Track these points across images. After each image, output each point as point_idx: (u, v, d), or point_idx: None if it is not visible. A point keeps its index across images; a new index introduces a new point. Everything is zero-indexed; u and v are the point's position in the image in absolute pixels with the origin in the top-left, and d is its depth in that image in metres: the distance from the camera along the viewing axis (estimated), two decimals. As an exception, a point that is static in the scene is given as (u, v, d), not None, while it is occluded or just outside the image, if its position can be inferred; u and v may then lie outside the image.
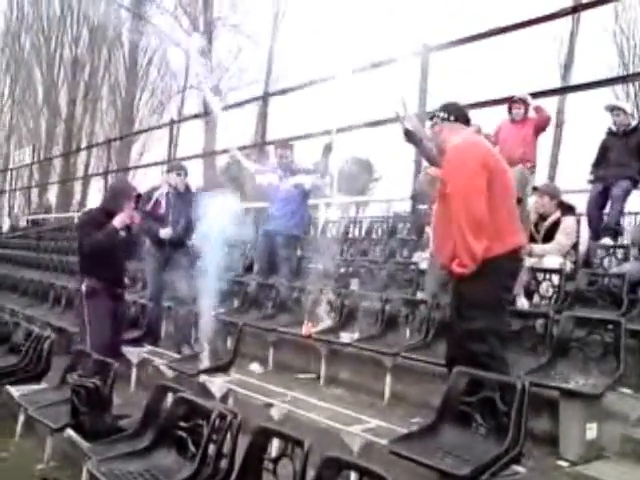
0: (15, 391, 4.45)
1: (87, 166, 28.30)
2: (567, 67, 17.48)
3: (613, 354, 3.58)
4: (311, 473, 2.37)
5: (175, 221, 5.81)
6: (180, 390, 3.30)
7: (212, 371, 4.67)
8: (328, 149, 6.42)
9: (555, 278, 4.81)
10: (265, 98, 16.70)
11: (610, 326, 3.69)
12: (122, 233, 4.97)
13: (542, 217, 5.40)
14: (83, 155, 27.85)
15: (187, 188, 5.95)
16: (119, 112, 28.62)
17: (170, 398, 3.36)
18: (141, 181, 17.96)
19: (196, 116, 17.74)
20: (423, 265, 5.76)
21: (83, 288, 4.93)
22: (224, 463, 2.73)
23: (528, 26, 7.40)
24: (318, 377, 5.02)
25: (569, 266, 5.18)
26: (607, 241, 5.70)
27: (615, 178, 5.98)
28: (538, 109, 6.70)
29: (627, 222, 7.47)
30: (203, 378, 4.58)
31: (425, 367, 4.23)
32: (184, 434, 3.03)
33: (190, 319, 5.42)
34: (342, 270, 6.54)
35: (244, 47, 23.64)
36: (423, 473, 2.85)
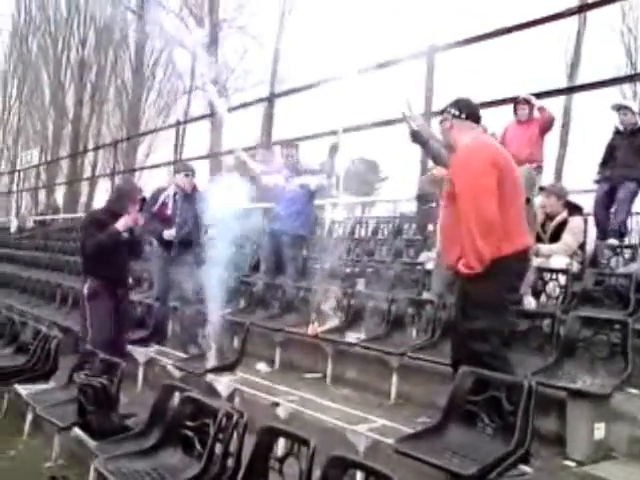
0: (23, 390, 4.48)
1: (94, 167, 28.43)
2: (574, 67, 17.42)
3: (621, 354, 3.56)
4: (317, 472, 2.37)
5: (181, 222, 5.82)
6: (187, 389, 3.32)
7: (219, 370, 4.68)
8: (334, 149, 6.43)
9: (562, 278, 4.80)
10: (271, 99, 16.72)
11: (617, 326, 3.67)
12: (125, 234, 4.99)
13: (549, 217, 5.38)
14: (90, 156, 27.97)
15: (194, 189, 5.97)
16: (125, 113, 28.72)
17: (177, 397, 3.37)
18: (147, 182, 18.03)
19: (202, 117, 17.78)
20: (429, 265, 5.75)
21: (85, 290, 4.95)
22: (230, 462, 2.74)
23: (534, 26, 7.38)
24: (324, 377, 5.02)
25: (576, 266, 5.16)
26: (614, 241, 5.68)
27: (621, 179, 5.96)
28: (541, 109, 6.68)
29: (635, 222, 7.43)
30: (210, 377, 4.59)
31: (431, 367, 4.22)
32: (191, 433, 3.04)
33: (197, 319, 5.43)
34: (348, 270, 6.54)
35: (250, 48, 23.71)
36: (429, 473, 2.85)
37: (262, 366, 5.33)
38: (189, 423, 3.07)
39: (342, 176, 8.97)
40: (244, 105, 13.00)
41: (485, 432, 2.94)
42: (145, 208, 6.02)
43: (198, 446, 2.96)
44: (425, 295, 5.37)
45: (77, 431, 3.56)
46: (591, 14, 13.93)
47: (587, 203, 6.04)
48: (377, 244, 7.92)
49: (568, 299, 4.70)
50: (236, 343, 5.04)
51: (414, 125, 3.85)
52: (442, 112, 3.69)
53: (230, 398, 4.37)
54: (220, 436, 2.82)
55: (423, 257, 6.30)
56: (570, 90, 13.00)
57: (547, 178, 8.28)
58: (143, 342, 5.74)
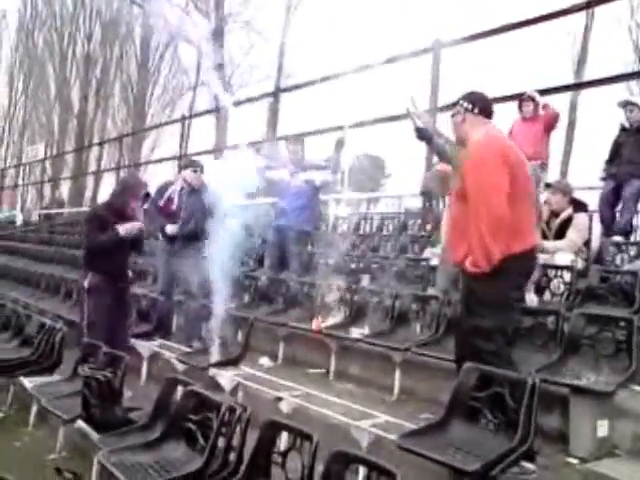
0: (28, 382, 4.50)
1: (99, 161, 28.48)
2: (580, 63, 17.33)
3: (625, 352, 3.55)
4: (320, 467, 2.37)
5: (187, 217, 5.82)
6: (190, 383, 3.32)
7: (222, 365, 4.69)
8: (340, 145, 6.42)
9: (566, 275, 4.78)
10: (276, 94, 16.71)
11: (622, 323, 3.66)
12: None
13: (554, 214, 5.36)
14: (95, 150, 28.02)
15: (202, 184, 5.97)
16: (131, 108, 28.78)
17: (180, 391, 3.39)
18: (152, 176, 18.04)
19: (207, 112, 17.77)
20: (434, 261, 5.74)
21: (86, 284, 4.96)
22: (233, 456, 2.75)
23: (541, 22, 7.34)
24: (328, 372, 5.03)
25: (581, 263, 5.14)
26: (619, 238, 5.66)
27: (627, 176, 5.94)
28: (546, 107, 6.65)
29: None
30: (213, 372, 4.60)
31: (435, 363, 4.22)
32: (194, 427, 3.05)
33: (201, 313, 5.44)
34: (353, 266, 6.54)
35: (255, 43, 23.67)
36: (432, 468, 2.85)
37: (265, 361, 5.34)
38: (192, 417, 3.08)
39: (347, 172, 8.96)
40: (250, 100, 12.99)
41: (488, 428, 2.95)
42: (150, 201, 6.03)
43: (201, 440, 2.97)
44: (429, 291, 5.36)
45: (81, 424, 3.58)
46: (599, 9, 13.85)
47: (592, 200, 6.02)
48: (382, 240, 7.92)
49: (572, 296, 4.68)
50: (240, 337, 5.05)
51: (419, 122, 3.83)
52: (454, 105, 3.64)
53: (233, 392, 4.39)
54: (223, 430, 2.82)
55: (428, 253, 6.29)
56: (577, 86, 12.96)
57: (553, 175, 8.26)
58: (147, 336, 5.76)
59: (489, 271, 3.20)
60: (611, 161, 6.23)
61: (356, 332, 4.94)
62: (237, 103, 11.55)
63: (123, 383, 3.68)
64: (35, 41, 32.47)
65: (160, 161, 18.92)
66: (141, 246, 5.41)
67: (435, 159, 6.17)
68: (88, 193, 27.90)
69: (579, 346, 3.76)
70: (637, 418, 3.38)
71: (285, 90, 16.11)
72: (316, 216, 7.27)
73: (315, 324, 5.19)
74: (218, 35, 21.98)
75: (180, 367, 4.90)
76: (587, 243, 5.37)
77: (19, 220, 19.37)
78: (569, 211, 5.30)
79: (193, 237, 5.76)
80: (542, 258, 5.01)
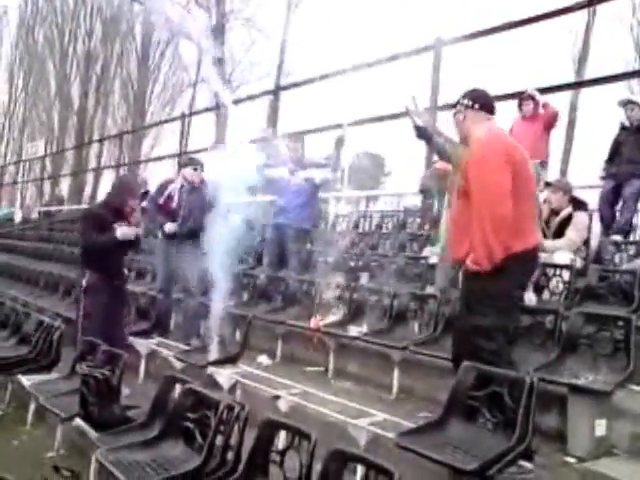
0: (26, 380, 4.50)
1: (99, 158, 28.47)
2: (582, 61, 17.31)
3: (623, 351, 3.55)
4: (318, 466, 2.37)
5: (186, 215, 5.82)
6: (188, 381, 3.32)
7: (220, 363, 4.69)
8: (340, 142, 6.40)
9: (565, 274, 4.77)
10: (276, 91, 16.69)
11: (620, 323, 3.65)
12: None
13: (554, 212, 5.36)
14: (95, 147, 28.01)
15: (202, 182, 5.96)
16: (131, 105, 28.76)
17: (178, 389, 3.39)
18: (152, 174, 18.04)
19: (207, 110, 17.75)
20: (433, 260, 5.74)
21: (83, 283, 4.95)
22: (231, 455, 2.75)
23: (542, 20, 7.32)
24: (326, 370, 5.03)
25: (579, 262, 5.14)
26: (618, 237, 5.66)
27: (627, 176, 5.93)
28: (545, 105, 6.64)
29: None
30: (211, 370, 4.60)
31: (433, 361, 4.22)
32: (192, 425, 3.05)
33: (199, 311, 5.44)
34: (352, 264, 6.53)
35: (256, 40, 23.64)
36: (430, 467, 2.85)
37: (264, 359, 5.34)
38: (190, 415, 3.08)
39: (347, 170, 8.95)
40: (250, 97, 12.97)
41: (486, 427, 2.95)
42: (150, 199, 6.03)
43: (199, 438, 2.97)
44: (428, 290, 5.36)
45: (79, 422, 3.58)
46: (600, 7, 13.81)
47: (592, 199, 6.02)
48: (381, 238, 7.91)
49: (571, 295, 4.68)
50: (238, 336, 5.05)
51: (418, 121, 3.81)
52: (455, 105, 3.62)
53: (231, 391, 4.38)
54: (221, 428, 2.82)
55: (427, 252, 6.29)
56: (577, 85, 12.94)
57: (553, 174, 8.24)
58: (146, 334, 5.76)
59: (490, 270, 3.20)
60: (611, 160, 6.23)
61: (354, 330, 4.94)
62: (237, 101, 11.54)
63: (121, 381, 3.68)
64: (35, 38, 32.42)
65: (160, 159, 18.90)
66: (139, 245, 5.42)
67: (435, 158, 6.15)
68: (88, 190, 27.88)
69: (577, 345, 3.75)
70: (635, 418, 3.38)
71: (285, 88, 16.08)
72: (315, 214, 7.27)
73: (314, 322, 5.19)
74: (219, 32, 21.97)
75: (178, 365, 4.90)
76: (586, 242, 5.36)
77: (18, 217, 19.34)
78: (569, 210, 5.30)
79: (192, 235, 5.76)
80: (541, 257, 5.01)
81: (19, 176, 27.19)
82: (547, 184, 5.77)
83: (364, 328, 4.96)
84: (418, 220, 8.14)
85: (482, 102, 3.49)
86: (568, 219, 5.27)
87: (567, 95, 14.75)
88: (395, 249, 7.11)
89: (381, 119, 8.89)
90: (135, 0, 23.61)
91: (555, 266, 4.88)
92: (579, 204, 5.39)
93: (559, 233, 5.26)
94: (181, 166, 6.54)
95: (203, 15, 20.79)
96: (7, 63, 33.75)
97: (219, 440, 2.81)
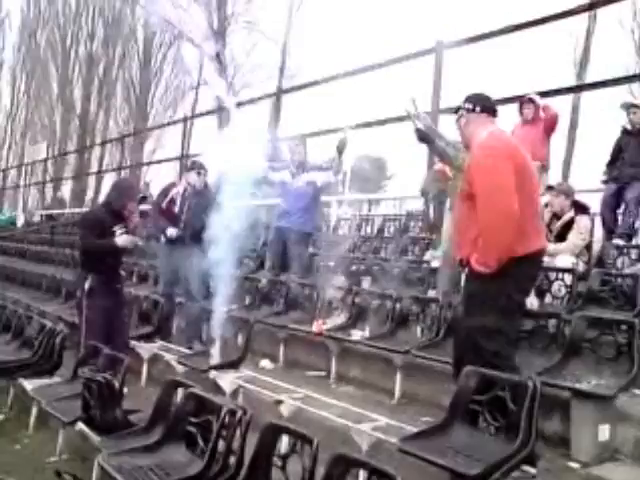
0: (28, 385, 4.50)
1: (101, 161, 28.51)
2: (582, 65, 17.31)
3: (626, 355, 3.54)
4: (320, 470, 2.36)
5: (189, 219, 5.83)
6: (190, 385, 3.32)
7: (222, 367, 4.69)
8: (342, 145, 6.40)
9: (567, 278, 4.77)
10: (278, 95, 16.70)
11: (623, 327, 3.65)
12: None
13: (555, 216, 5.35)
14: (97, 150, 28.05)
15: (205, 186, 5.97)
16: (133, 108, 28.80)
17: (180, 393, 3.39)
18: (154, 177, 18.08)
19: (209, 112, 17.76)
20: (435, 263, 5.74)
21: (85, 286, 4.95)
22: (233, 459, 2.74)
23: (543, 23, 7.32)
24: (328, 374, 5.02)
25: (582, 266, 5.13)
26: (620, 241, 5.64)
27: (630, 179, 5.92)
28: (546, 108, 6.63)
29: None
30: (213, 374, 4.59)
31: (436, 366, 4.22)
32: (194, 429, 3.04)
33: (201, 315, 5.44)
34: (354, 268, 6.53)
35: (258, 43, 23.65)
36: (432, 472, 2.84)
37: (266, 363, 5.34)
38: (192, 419, 3.08)
39: (348, 173, 8.95)
40: (252, 101, 12.98)
41: (489, 432, 2.94)
42: (152, 203, 6.04)
43: (201, 443, 2.96)
44: (430, 294, 5.35)
45: (81, 426, 3.57)
46: (601, 12, 13.83)
47: (594, 203, 6.01)
48: (383, 242, 7.91)
49: (574, 299, 4.67)
50: (240, 340, 5.05)
51: (420, 124, 3.82)
52: (457, 110, 3.63)
53: (234, 395, 4.38)
54: (223, 433, 2.81)
55: (428, 255, 6.29)
56: (579, 88, 12.93)
57: (554, 177, 8.24)
58: (148, 338, 5.75)
59: (493, 272, 3.19)
60: (612, 164, 6.22)
61: (357, 334, 4.94)
62: (239, 104, 11.54)
63: (123, 385, 3.68)
64: (38, 41, 32.50)
65: (161, 162, 18.92)
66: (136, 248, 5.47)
67: (436, 160, 6.15)
68: (90, 194, 27.92)
69: (580, 349, 3.75)
70: (639, 422, 3.37)
71: (287, 91, 16.11)
72: (318, 217, 7.27)
73: (316, 326, 5.19)
74: (220, 35, 22.00)
75: (180, 369, 4.89)
76: (588, 246, 5.36)
77: (20, 221, 19.36)
78: (570, 214, 5.29)
79: (195, 239, 5.76)
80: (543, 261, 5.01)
81: (21, 179, 27.25)
82: (549, 188, 5.77)
83: (366, 332, 4.96)
84: (420, 224, 8.14)
85: (483, 105, 3.49)
86: (570, 223, 5.27)
87: (568, 99, 14.75)
88: (397, 253, 7.10)
89: (383, 122, 8.88)
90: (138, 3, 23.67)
91: (557, 270, 4.88)
92: (581, 208, 5.39)
93: (561, 237, 5.26)
94: (185, 170, 6.55)
95: (204, 18, 20.81)
96: (9, 66, 33.86)
97: (221, 445, 2.80)
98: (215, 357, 4.80)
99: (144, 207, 6.41)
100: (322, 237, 7.48)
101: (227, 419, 2.82)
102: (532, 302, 4.58)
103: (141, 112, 28.15)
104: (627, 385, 3.42)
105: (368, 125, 8.89)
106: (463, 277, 3.70)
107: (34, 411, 4.36)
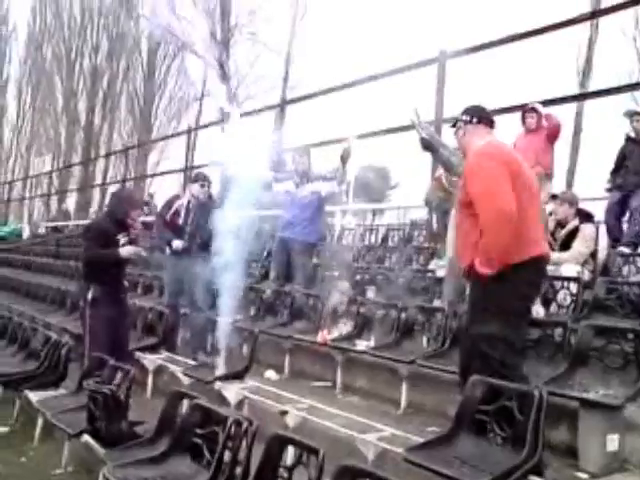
0: (34, 396, 4.50)
1: (105, 173, 28.63)
2: (585, 73, 17.34)
3: (634, 364, 3.52)
4: (326, 481, 2.35)
5: (193, 231, 5.84)
6: (196, 397, 3.31)
7: (228, 378, 4.67)
8: (346, 155, 6.41)
9: (573, 286, 4.75)
10: (282, 106, 16.76)
11: (630, 335, 3.62)
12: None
13: (560, 224, 5.35)
14: (101, 163, 28.17)
15: (210, 198, 5.99)
16: (137, 120, 28.96)
17: (186, 405, 3.38)
18: (158, 188, 18.13)
19: (214, 123, 17.83)
20: (440, 273, 5.72)
21: (89, 296, 4.96)
22: (239, 470, 2.73)
23: (546, 32, 7.34)
24: (334, 385, 5.00)
25: (587, 274, 5.12)
26: (626, 249, 5.63)
27: (634, 187, 5.91)
28: (548, 117, 6.64)
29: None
30: (219, 385, 4.58)
31: (441, 375, 4.20)
32: (199, 441, 3.03)
33: (206, 326, 5.44)
34: (358, 277, 6.52)
35: (261, 54, 23.76)
36: (439, 483, 2.83)
37: (271, 374, 5.32)
38: (198, 431, 3.07)
39: (352, 183, 8.95)
40: (256, 111, 13.03)
41: (496, 442, 2.91)
42: (156, 214, 6.06)
43: (207, 454, 2.96)
44: (435, 303, 5.34)
45: (87, 438, 3.57)
46: (604, 20, 13.88)
47: (598, 211, 6.00)
48: (387, 251, 7.90)
49: (579, 308, 4.65)
50: (245, 350, 5.04)
51: (423, 133, 3.84)
52: (454, 124, 3.67)
53: (239, 406, 4.36)
54: (229, 444, 2.81)
55: (433, 264, 6.28)
56: (582, 97, 12.94)
57: (558, 186, 8.24)
58: (153, 349, 5.75)
59: (494, 277, 3.18)
60: (617, 171, 6.21)
61: (362, 344, 4.93)
62: (243, 114, 11.59)
63: (129, 397, 3.68)
64: (44, 54, 32.79)
65: (165, 173, 18.98)
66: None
67: (440, 170, 6.15)
68: (94, 206, 28.02)
69: (587, 358, 3.72)
70: (647, 432, 3.34)
71: (291, 102, 16.17)
72: (322, 228, 7.27)
73: (321, 336, 5.18)
74: (224, 46, 22.13)
75: (185, 380, 4.88)
76: (594, 254, 5.34)
77: (26, 233, 19.45)
78: (575, 222, 5.29)
79: (199, 250, 5.78)
80: (547, 269, 4.99)
81: (26, 192, 27.38)
82: (553, 197, 5.76)
83: (371, 342, 4.95)
84: (424, 233, 8.13)
85: (480, 116, 3.53)
86: (574, 231, 5.26)
87: (572, 107, 14.76)
88: (401, 262, 7.09)
89: (387, 132, 8.90)
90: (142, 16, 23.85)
91: (563, 278, 4.86)
92: (585, 216, 5.38)
93: (566, 245, 5.25)
94: (190, 181, 6.59)
95: (208, 29, 20.94)
96: (16, 79, 34.18)
97: (227, 456, 2.80)
98: (220, 368, 4.79)
99: (147, 219, 6.44)
100: (326, 247, 7.48)
101: (233, 430, 2.81)
102: (538, 311, 4.57)
103: (145, 124, 28.30)
104: (635, 395, 3.39)
105: (372, 135, 8.92)
106: (468, 285, 3.70)
107: (39, 423, 4.35)
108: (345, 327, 5.32)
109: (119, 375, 3.86)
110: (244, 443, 2.75)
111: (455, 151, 3.85)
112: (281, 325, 5.86)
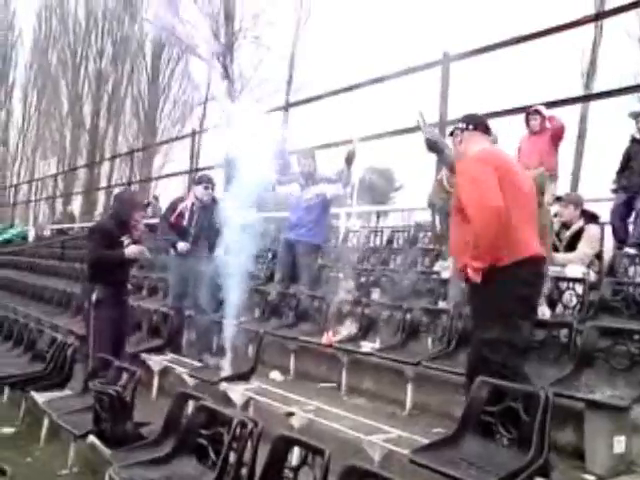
0: (40, 397, 4.51)
1: (110, 176, 28.74)
2: (590, 75, 17.31)
3: (640, 365, 3.51)
4: (332, 482, 2.35)
5: (197, 233, 5.86)
6: (201, 398, 3.31)
7: (233, 379, 4.68)
8: (351, 157, 6.40)
9: (579, 287, 4.74)
10: (286, 108, 16.78)
11: (636, 336, 3.61)
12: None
13: (565, 226, 5.34)
14: (106, 166, 28.29)
15: (213, 200, 6.01)
16: (142, 123, 29.06)
17: (191, 406, 3.38)
18: (163, 191, 18.18)
19: (217, 127, 17.85)
20: (444, 274, 5.72)
21: (93, 298, 4.97)
22: (244, 471, 2.73)
23: (550, 34, 7.34)
24: (339, 386, 5.00)
25: (593, 275, 5.10)
26: (631, 250, 5.61)
27: (639, 188, 5.90)
28: (551, 119, 6.63)
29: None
30: (224, 386, 4.59)
31: (447, 377, 4.19)
32: (205, 442, 3.04)
33: (211, 327, 5.45)
34: (363, 279, 6.52)
35: (265, 57, 23.82)
36: (444, 484, 2.82)
37: (276, 375, 5.32)
38: (203, 432, 3.07)
39: (356, 185, 8.95)
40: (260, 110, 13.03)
41: (502, 443, 2.90)
42: (161, 217, 6.08)
43: (212, 455, 2.96)
44: (440, 304, 5.34)
45: (92, 439, 3.57)
46: (608, 22, 13.85)
47: (604, 212, 5.98)
48: (392, 253, 7.89)
49: (585, 309, 4.64)
50: (251, 352, 5.04)
51: (429, 135, 3.85)
52: (452, 133, 3.74)
53: (244, 407, 4.37)
54: (234, 445, 2.81)
55: (438, 266, 6.27)
56: (587, 98, 12.92)
57: (563, 187, 8.22)
58: (158, 350, 5.76)
59: (486, 280, 3.18)
60: (622, 173, 6.20)
61: (367, 346, 4.92)
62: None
63: (134, 398, 3.68)
64: (49, 59, 32.98)
65: (170, 176, 19.03)
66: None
67: (443, 172, 6.15)
68: (99, 208, 28.11)
69: (593, 359, 3.70)
70: (655, 434, 3.33)
71: (295, 104, 16.19)
72: (327, 230, 7.27)
73: (326, 338, 5.18)
74: (228, 49, 22.18)
75: (191, 382, 4.89)
76: (599, 255, 5.33)
77: (31, 236, 19.52)
78: (580, 223, 5.28)
79: (204, 252, 5.79)
80: (553, 271, 4.99)
81: (32, 194, 27.49)
82: (558, 198, 5.76)
83: (377, 344, 4.94)
84: (429, 235, 8.12)
85: (475, 123, 3.59)
86: (579, 232, 5.25)
87: (577, 109, 14.73)
88: (406, 264, 7.08)
89: (392, 134, 8.90)
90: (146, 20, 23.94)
91: (568, 279, 4.85)
92: (590, 217, 5.37)
93: (571, 246, 5.24)
94: (194, 184, 6.61)
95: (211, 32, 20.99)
96: (21, 84, 34.37)
97: (232, 457, 2.79)
98: (225, 369, 4.80)
99: (150, 220, 6.46)
100: (331, 249, 7.48)
101: (238, 431, 2.81)
102: (544, 312, 4.56)
103: (150, 127, 28.41)
104: (641, 396, 3.38)
105: (376, 137, 8.92)
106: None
107: (45, 424, 4.37)
108: (350, 328, 5.32)
109: (125, 376, 3.86)
110: (249, 444, 2.75)
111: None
112: (286, 326, 5.86)
